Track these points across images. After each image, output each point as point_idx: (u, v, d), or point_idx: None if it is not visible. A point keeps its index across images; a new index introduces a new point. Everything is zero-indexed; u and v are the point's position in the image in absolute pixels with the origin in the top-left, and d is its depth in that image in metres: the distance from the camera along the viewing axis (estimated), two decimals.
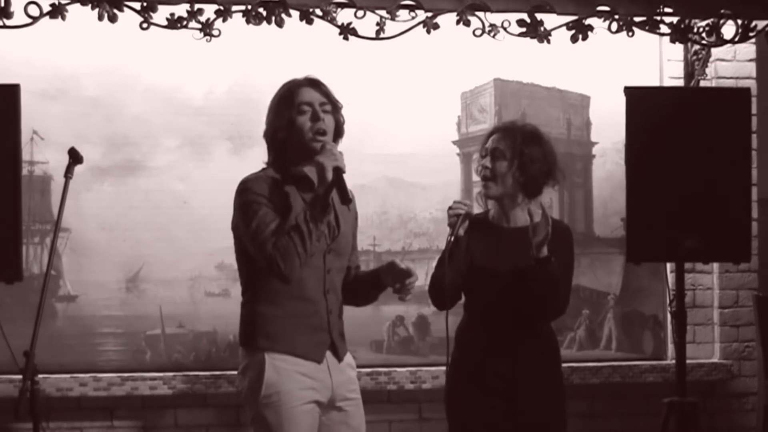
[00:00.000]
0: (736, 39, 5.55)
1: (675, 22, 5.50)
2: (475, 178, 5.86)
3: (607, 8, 5.39)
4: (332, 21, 5.20)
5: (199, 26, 5.11)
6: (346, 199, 3.63)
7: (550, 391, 4.08)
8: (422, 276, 5.65)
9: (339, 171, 3.57)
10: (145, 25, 5.09)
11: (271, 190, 3.64)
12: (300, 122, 3.66)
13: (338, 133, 3.78)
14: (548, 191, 5.77)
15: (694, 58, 5.84)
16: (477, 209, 4.21)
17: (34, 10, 4.99)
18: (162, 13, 5.09)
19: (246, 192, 3.64)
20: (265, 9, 5.15)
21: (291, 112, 3.66)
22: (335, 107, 3.76)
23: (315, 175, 3.60)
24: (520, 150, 4.04)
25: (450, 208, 4.00)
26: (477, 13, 5.30)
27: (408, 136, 5.81)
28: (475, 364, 4.07)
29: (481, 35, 5.32)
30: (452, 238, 3.95)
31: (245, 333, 3.72)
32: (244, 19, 5.15)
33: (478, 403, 4.04)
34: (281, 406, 3.58)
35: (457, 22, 5.30)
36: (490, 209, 4.22)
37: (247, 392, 3.68)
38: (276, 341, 3.63)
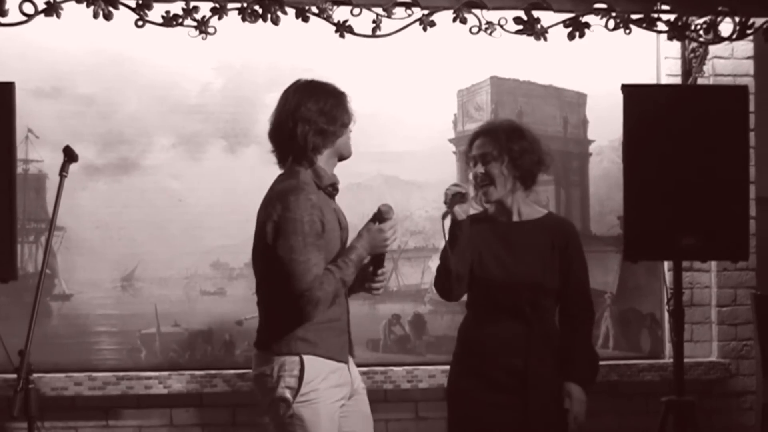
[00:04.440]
0: (734, 36, 5.55)
1: (672, 19, 5.49)
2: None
3: (604, 5, 5.38)
4: (328, 18, 5.20)
5: (195, 24, 5.10)
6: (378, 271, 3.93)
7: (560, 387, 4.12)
8: (418, 275, 5.72)
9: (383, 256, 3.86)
10: (140, 23, 5.08)
11: (313, 205, 3.74)
12: (347, 131, 3.95)
13: None
14: (545, 190, 5.87)
15: (692, 55, 5.84)
16: (473, 211, 4.23)
17: (29, 8, 4.99)
18: (157, 11, 5.08)
19: (292, 210, 3.70)
20: (260, 6, 5.15)
21: (346, 117, 3.93)
22: None
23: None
24: (508, 147, 4.09)
25: (447, 188, 4.06)
26: (473, 10, 5.29)
27: (404, 134, 5.80)
28: (483, 361, 4.09)
29: (477, 33, 5.31)
30: (448, 211, 3.98)
31: (281, 340, 3.77)
32: (240, 16, 5.15)
33: (487, 400, 4.06)
34: (319, 404, 3.70)
35: (454, 20, 5.29)
36: (488, 207, 4.25)
37: (279, 393, 3.73)
38: (315, 346, 3.76)
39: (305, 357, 3.71)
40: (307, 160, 3.85)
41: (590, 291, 4.20)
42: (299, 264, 3.64)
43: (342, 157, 3.95)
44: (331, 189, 3.88)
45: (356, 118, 4.01)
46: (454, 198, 4.02)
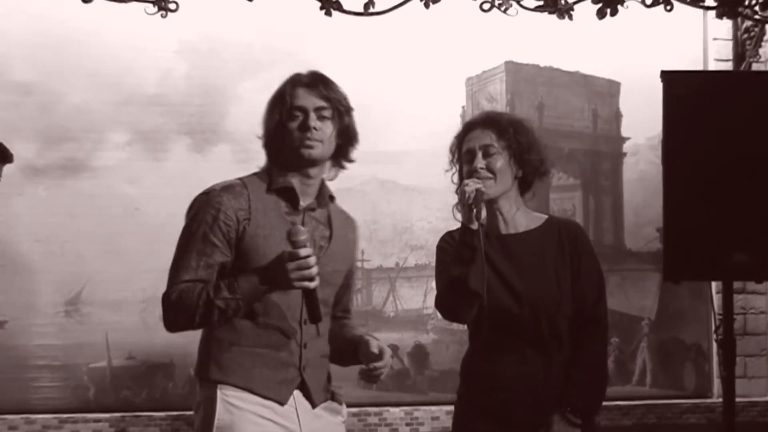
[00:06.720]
0: None
1: None
2: None
3: None
4: None
5: None
6: (316, 317, 3.53)
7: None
8: (419, 298, 5.65)
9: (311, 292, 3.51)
10: None
11: (216, 207, 3.57)
12: (290, 128, 3.60)
13: (346, 140, 3.67)
14: (571, 197, 5.79)
15: (745, 36, 5.91)
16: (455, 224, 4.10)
17: None
18: None
19: (194, 206, 3.58)
20: None
21: (281, 116, 3.63)
22: (338, 111, 3.69)
23: (299, 188, 3.58)
24: (516, 140, 3.98)
25: (465, 184, 3.85)
26: None
27: (403, 130, 5.82)
28: (493, 400, 3.99)
29: (489, 9, 5.36)
30: (476, 214, 3.81)
31: (198, 361, 3.63)
32: None
33: None
34: None
35: None
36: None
37: None
38: (229, 373, 3.56)
39: (219, 390, 3.50)
40: (266, 163, 3.73)
41: (605, 300, 4.05)
42: (173, 263, 3.54)
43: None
44: (287, 194, 3.73)
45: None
46: (479, 196, 3.87)
